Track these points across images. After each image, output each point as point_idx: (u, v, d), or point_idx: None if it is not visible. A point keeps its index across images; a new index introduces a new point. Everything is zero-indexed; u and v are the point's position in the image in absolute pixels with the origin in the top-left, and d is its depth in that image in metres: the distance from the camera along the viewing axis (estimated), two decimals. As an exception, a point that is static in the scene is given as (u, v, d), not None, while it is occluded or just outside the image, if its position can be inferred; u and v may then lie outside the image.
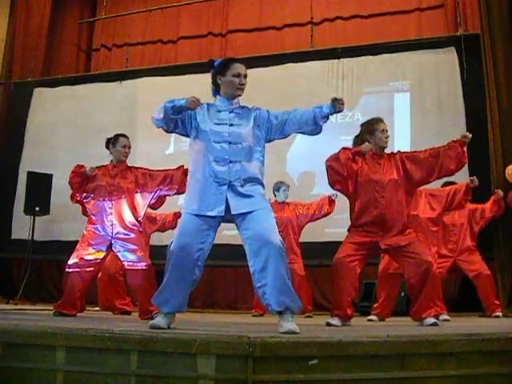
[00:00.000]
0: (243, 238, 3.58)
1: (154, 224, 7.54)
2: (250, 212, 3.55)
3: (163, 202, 5.90)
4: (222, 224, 3.74)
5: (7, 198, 10.30)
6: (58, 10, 11.51)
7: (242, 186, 3.60)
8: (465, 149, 4.83)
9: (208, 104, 3.85)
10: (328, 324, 4.48)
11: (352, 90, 9.25)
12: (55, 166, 9.84)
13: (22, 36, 11.08)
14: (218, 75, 3.84)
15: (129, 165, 5.69)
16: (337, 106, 3.76)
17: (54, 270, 9.95)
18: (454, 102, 8.66)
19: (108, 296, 6.95)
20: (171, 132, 3.90)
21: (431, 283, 4.65)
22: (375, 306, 6.30)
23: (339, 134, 8.92)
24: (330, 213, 7.41)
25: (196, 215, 3.57)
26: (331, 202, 7.33)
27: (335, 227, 8.00)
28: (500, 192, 7.24)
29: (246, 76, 3.82)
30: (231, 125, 3.72)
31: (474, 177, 6.43)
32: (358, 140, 4.98)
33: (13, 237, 10.03)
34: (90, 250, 5.36)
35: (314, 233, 7.99)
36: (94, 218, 5.49)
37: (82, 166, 5.57)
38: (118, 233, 5.39)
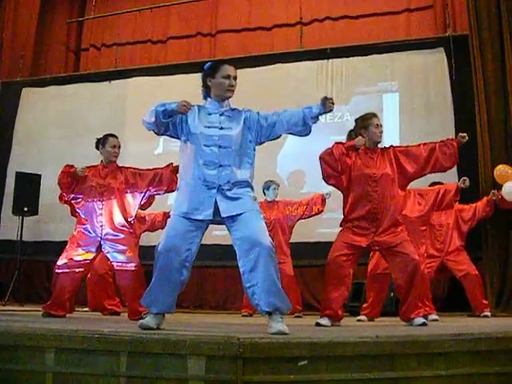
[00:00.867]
0: (233, 240, 3.58)
1: (143, 224, 7.51)
2: (239, 214, 3.56)
3: (152, 202, 5.90)
4: (212, 225, 3.74)
5: (-5, 199, 10.26)
6: (46, 10, 11.46)
7: (231, 189, 3.61)
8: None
9: (199, 106, 3.84)
10: (318, 324, 4.49)
11: (341, 90, 9.27)
12: (44, 166, 9.80)
13: (10, 35, 11.03)
14: (208, 77, 3.83)
15: (119, 165, 5.67)
16: (327, 105, 3.75)
17: (43, 271, 9.91)
18: (443, 103, 8.69)
19: (97, 296, 6.93)
20: (162, 135, 3.90)
21: (419, 283, 4.67)
22: (364, 306, 6.31)
23: (328, 135, 8.89)
24: (321, 212, 7.42)
25: (184, 217, 3.57)
26: (323, 201, 7.34)
27: (325, 227, 8.03)
28: (496, 192, 7.28)
29: (235, 78, 3.81)
30: (221, 128, 3.71)
31: (466, 178, 6.47)
32: (353, 135, 4.99)
33: (1, 237, 9.97)
34: (80, 250, 5.34)
35: (303, 233, 8.00)
36: (83, 218, 5.47)
37: (72, 166, 5.52)
38: (107, 234, 5.37)
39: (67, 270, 5.26)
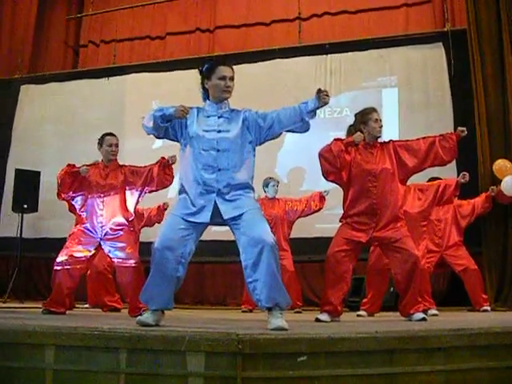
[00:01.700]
0: (236, 238, 3.60)
1: (141, 220, 7.52)
2: (241, 214, 3.57)
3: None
4: (211, 225, 3.77)
5: (-5, 196, 10.26)
6: (44, 7, 11.43)
7: (230, 192, 3.63)
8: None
9: (198, 109, 3.84)
10: (317, 320, 4.49)
11: (340, 85, 9.27)
12: (43, 163, 9.82)
13: (8, 32, 11.03)
14: (205, 80, 3.84)
15: (120, 163, 5.68)
16: (321, 97, 3.69)
17: (43, 268, 9.91)
18: (442, 97, 8.69)
19: (97, 293, 6.94)
20: (162, 138, 3.91)
21: (419, 278, 4.67)
22: (364, 301, 6.32)
23: (327, 130, 8.90)
24: (320, 209, 7.45)
25: (182, 218, 3.59)
26: (322, 198, 7.38)
27: (325, 223, 8.03)
28: (495, 189, 7.28)
29: (232, 78, 3.79)
30: (219, 131, 3.71)
31: (466, 173, 6.47)
32: (352, 130, 4.98)
33: (1, 234, 9.95)
34: (80, 247, 5.34)
35: (303, 228, 8.00)
36: (83, 217, 5.48)
37: (74, 166, 5.52)
38: (106, 233, 5.38)
39: (66, 267, 5.25)
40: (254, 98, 8.61)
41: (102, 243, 5.40)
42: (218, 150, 3.66)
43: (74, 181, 5.49)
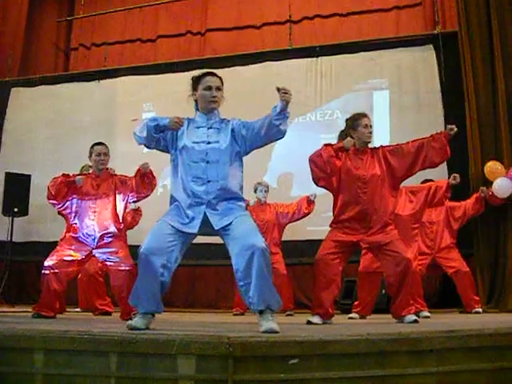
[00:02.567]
0: (226, 244, 3.61)
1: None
2: (230, 223, 3.59)
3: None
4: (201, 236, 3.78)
5: (-15, 200, 10.20)
6: (35, 9, 11.39)
7: (220, 203, 3.65)
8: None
9: (188, 119, 3.85)
10: (309, 322, 4.48)
11: (331, 88, 9.27)
12: (33, 166, 9.79)
13: (-1, 35, 10.98)
14: (193, 91, 3.87)
15: (111, 172, 5.74)
16: (280, 96, 3.59)
17: (34, 272, 9.83)
18: (433, 100, 8.70)
19: (88, 297, 6.91)
20: (153, 148, 3.89)
21: (410, 281, 4.66)
22: (356, 303, 6.32)
23: (319, 133, 8.94)
24: (309, 213, 7.48)
25: (171, 225, 3.60)
26: (309, 202, 7.42)
27: (317, 225, 8.02)
28: (485, 190, 7.29)
29: (218, 88, 3.81)
30: (209, 142, 3.72)
31: (457, 174, 6.47)
32: (343, 135, 4.97)
33: (-9, 238, 9.91)
34: (70, 252, 5.34)
35: (295, 231, 7.99)
36: (75, 226, 5.50)
37: (69, 176, 5.58)
38: (98, 242, 5.42)
39: (54, 271, 5.23)
40: (244, 101, 8.62)
41: (94, 252, 5.43)
42: (208, 162, 3.68)
43: (69, 190, 5.54)
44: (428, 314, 5.96)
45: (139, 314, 3.52)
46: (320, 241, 4.85)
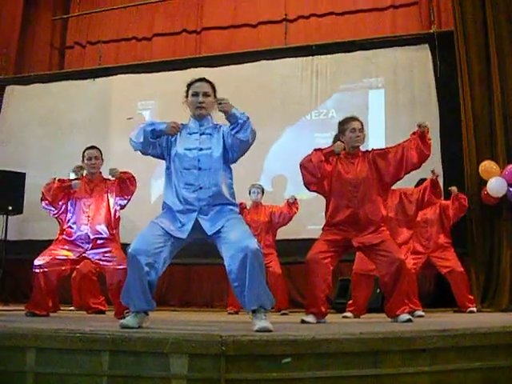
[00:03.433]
0: (219, 248, 3.61)
1: None
2: (222, 226, 3.59)
3: None
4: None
5: (-21, 198, 10.16)
6: (30, 7, 11.35)
7: (212, 210, 3.66)
8: (429, 140, 4.78)
9: (182, 125, 3.85)
10: (303, 321, 4.48)
11: (326, 86, 9.25)
12: (28, 164, 9.75)
13: (-7, 33, 10.94)
14: (186, 97, 3.88)
15: (103, 176, 5.76)
16: (217, 108, 3.66)
17: (28, 270, 9.65)
18: (428, 99, 8.70)
19: (82, 295, 6.89)
20: (148, 155, 3.87)
21: (404, 281, 4.67)
22: (350, 303, 6.32)
23: (313, 132, 8.94)
24: (294, 213, 7.54)
25: (162, 227, 3.60)
26: (290, 205, 7.50)
27: (316, 224, 8.02)
28: (454, 189, 7.11)
29: (206, 94, 3.80)
30: (201, 149, 3.73)
31: (434, 168, 6.40)
32: (336, 139, 4.97)
33: (-15, 237, 9.88)
34: (63, 251, 5.36)
35: (289, 230, 7.98)
36: (69, 230, 5.50)
37: (64, 181, 5.62)
38: (91, 245, 5.45)
39: (44, 270, 5.24)
40: (240, 100, 8.56)
41: (87, 253, 5.46)
42: (200, 169, 3.69)
43: (65, 195, 5.59)
44: (422, 313, 5.96)
45: (131, 312, 3.52)
46: (315, 239, 4.85)
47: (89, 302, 6.76)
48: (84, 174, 5.78)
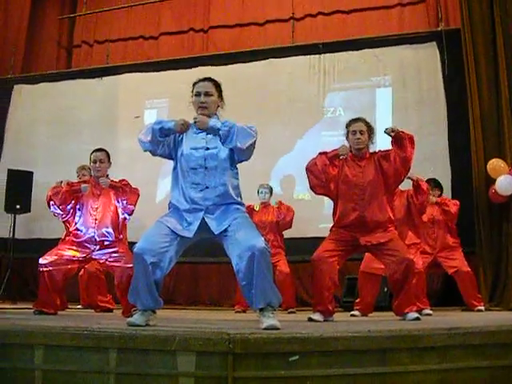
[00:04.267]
0: (226, 248, 3.61)
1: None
2: (229, 225, 3.59)
3: None
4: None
5: (-13, 197, 10.20)
6: (37, 6, 11.37)
7: (218, 209, 3.66)
8: (406, 141, 4.73)
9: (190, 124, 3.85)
10: (310, 319, 4.49)
11: (334, 85, 9.23)
12: (36, 163, 9.78)
13: (1, 32, 10.93)
14: (191, 97, 3.87)
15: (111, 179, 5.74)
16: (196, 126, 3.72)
17: (36, 269, 9.69)
18: (436, 97, 8.67)
19: (90, 294, 6.91)
20: (158, 155, 3.87)
21: (413, 279, 4.67)
22: (357, 301, 6.30)
23: (321, 130, 8.93)
24: (290, 217, 7.57)
25: (167, 226, 3.60)
26: (278, 209, 7.58)
27: (323, 223, 8.01)
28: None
29: (207, 93, 3.80)
30: (207, 149, 3.72)
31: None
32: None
33: (-7, 235, 9.91)
34: (70, 251, 5.37)
35: (297, 229, 7.97)
36: (76, 232, 5.52)
37: (73, 184, 5.65)
38: (98, 246, 5.46)
39: (49, 268, 5.26)
40: (247, 98, 8.62)
41: (94, 254, 5.47)
42: (206, 168, 3.69)
43: (73, 198, 5.61)
44: (430, 311, 5.96)
45: (139, 310, 3.53)
46: (323, 239, 4.85)
47: (96, 300, 6.78)
48: (87, 174, 5.78)
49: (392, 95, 9.01)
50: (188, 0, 10.92)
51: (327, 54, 9.36)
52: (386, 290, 6.89)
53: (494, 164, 7.66)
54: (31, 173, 9.25)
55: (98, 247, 5.44)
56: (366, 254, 5.98)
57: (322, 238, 4.92)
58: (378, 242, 4.64)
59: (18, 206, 8.99)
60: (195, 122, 3.66)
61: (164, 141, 3.73)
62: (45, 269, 5.25)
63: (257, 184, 7.66)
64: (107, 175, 5.71)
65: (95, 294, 6.82)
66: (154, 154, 3.85)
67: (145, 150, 3.83)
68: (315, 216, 8.08)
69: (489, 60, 8.08)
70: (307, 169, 4.82)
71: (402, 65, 9.07)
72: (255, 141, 3.70)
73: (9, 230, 8.98)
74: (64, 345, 2.80)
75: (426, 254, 6.88)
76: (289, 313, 6.91)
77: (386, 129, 4.77)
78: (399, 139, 4.74)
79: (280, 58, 9.61)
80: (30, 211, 9.19)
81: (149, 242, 3.51)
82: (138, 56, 11.00)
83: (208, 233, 3.64)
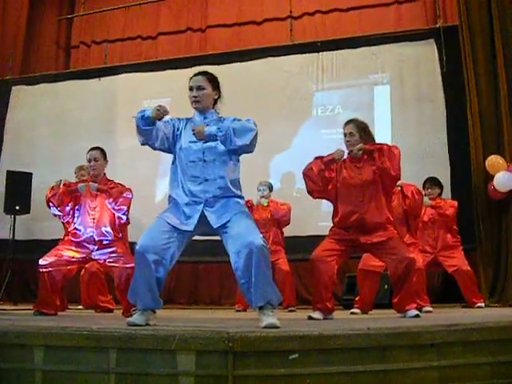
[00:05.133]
0: (225, 243, 3.60)
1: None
2: (228, 220, 3.59)
3: None
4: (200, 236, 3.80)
5: (-14, 198, 10.20)
6: (35, 7, 11.36)
7: (218, 202, 3.65)
8: (380, 156, 4.71)
9: (187, 119, 3.88)
10: (310, 318, 4.50)
11: (332, 83, 9.24)
12: (35, 164, 9.77)
13: (-1, 33, 10.97)
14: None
15: (108, 178, 5.75)
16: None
17: (36, 270, 9.68)
18: (434, 94, 8.67)
19: (90, 293, 6.91)
20: (157, 149, 3.86)
21: (414, 277, 4.68)
22: (357, 299, 6.30)
23: (320, 128, 8.94)
24: (282, 214, 7.60)
25: (168, 223, 3.59)
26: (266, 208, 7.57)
27: (323, 221, 8.01)
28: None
29: (199, 88, 3.80)
30: (206, 142, 3.71)
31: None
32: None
33: (-7, 237, 9.91)
34: (69, 252, 5.37)
35: (297, 227, 7.99)
36: (75, 232, 5.51)
37: (70, 184, 5.66)
38: (97, 246, 5.45)
39: (49, 269, 5.26)
40: (245, 97, 8.62)
41: (93, 254, 5.46)
42: (205, 161, 3.69)
43: (72, 198, 5.61)
44: (430, 308, 5.96)
45: (138, 310, 3.53)
46: (324, 237, 4.86)
47: (97, 300, 6.78)
48: (86, 175, 5.78)
49: (390, 93, 9.01)
50: (186, -1, 10.94)
51: (325, 52, 9.35)
52: (386, 287, 6.90)
53: (493, 160, 7.66)
54: (30, 174, 9.25)
55: (96, 247, 5.43)
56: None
57: (322, 236, 4.92)
58: (378, 241, 4.64)
59: (17, 208, 8.99)
60: (193, 134, 3.67)
61: (150, 130, 3.68)
62: (45, 269, 5.26)
63: (256, 182, 7.64)
64: (104, 174, 5.70)
65: (96, 293, 6.82)
66: (152, 147, 3.83)
67: (142, 144, 3.82)
68: (315, 214, 8.08)
69: (487, 56, 8.07)
70: (304, 173, 4.84)
71: (400, 62, 9.07)
72: (257, 132, 3.69)
73: (9, 232, 8.98)
74: (64, 345, 2.80)
75: (427, 253, 6.88)
76: (289, 311, 6.91)
77: (352, 151, 4.80)
78: (369, 153, 4.78)
79: (278, 56, 9.62)
80: (29, 212, 9.19)
81: (150, 239, 3.50)
82: (136, 56, 10.99)
83: (208, 226, 3.62)
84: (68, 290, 6.01)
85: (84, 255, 5.42)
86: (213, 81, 3.88)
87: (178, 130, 3.82)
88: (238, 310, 7.13)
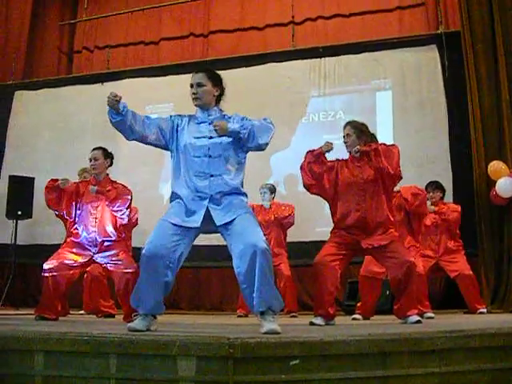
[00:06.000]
0: (228, 244, 3.58)
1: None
2: (232, 220, 3.56)
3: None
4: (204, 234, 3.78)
5: (-11, 203, 10.20)
6: (38, 12, 11.40)
7: (222, 198, 3.63)
8: (376, 156, 4.73)
9: (189, 116, 3.86)
10: (311, 323, 4.48)
11: (334, 88, 9.25)
12: (37, 169, 9.78)
13: (2, 38, 10.97)
14: None
15: (111, 179, 5.73)
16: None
17: (38, 274, 9.72)
18: (436, 100, 8.67)
19: (93, 299, 6.91)
20: (148, 144, 3.85)
21: (415, 283, 4.67)
22: (359, 305, 6.29)
23: (322, 133, 8.92)
24: (285, 216, 7.58)
25: (173, 223, 3.57)
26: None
27: (325, 226, 8.00)
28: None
29: (199, 84, 3.80)
30: (210, 137, 3.71)
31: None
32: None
33: (-5, 241, 9.91)
34: (71, 255, 5.35)
35: (299, 232, 7.98)
36: (77, 232, 5.50)
37: (55, 180, 5.66)
38: (99, 247, 5.43)
39: (53, 274, 5.23)
40: (247, 102, 8.61)
41: (95, 257, 5.44)
42: (210, 156, 3.67)
43: (59, 196, 5.61)
44: (432, 314, 5.95)
45: (140, 315, 3.51)
46: (325, 242, 4.85)
47: (99, 304, 6.77)
48: (88, 177, 5.77)
49: (392, 98, 9.02)
50: (188, 5, 10.94)
51: (327, 58, 9.37)
52: (388, 293, 6.88)
53: (495, 166, 7.66)
54: (33, 179, 9.25)
55: (98, 249, 5.41)
56: (366, 257, 5.98)
57: (324, 242, 4.90)
58: (379, 245, 4.63)
59: (19, 212, 8.99)
60: (215, 130, 3.64)
61: (121, 121, 3.73)
62: (49, 274, 5.24)
63: (256, 186, 7.61)
64: (107, 174, 5.69)
65: (98, 297, 6.82)
66: (143, 141, 3.83)
67: (128, 139, 3.85)
68: (316, 219, 8.06)
69: (489, 62, 8.09)
70: (300, 167, 4.86)
71: (402, 68, 9.08)
72: (273, 131, 3.73)
73: (10, 236, 8.98)
74: (64, 350, 2.79)
75: (429, 257, 6.87)
76: (291, 317, 6.90)
77: (350, 152, 4.85)
78: (366, 154, 4.79)
79: (280, 62, 9.64)
80: (31, 217, 9.20)
81: (156, 243, 3.47)
82: (139, 61, 11.03)
83: (211, 224, 3.60)
84: (69, 296, 6.00)
85: (86, 259, 5.40)
86: (213, 77, 3.88)
87: (178, 126, 3.80)
88: (239, 316, 7.12)
